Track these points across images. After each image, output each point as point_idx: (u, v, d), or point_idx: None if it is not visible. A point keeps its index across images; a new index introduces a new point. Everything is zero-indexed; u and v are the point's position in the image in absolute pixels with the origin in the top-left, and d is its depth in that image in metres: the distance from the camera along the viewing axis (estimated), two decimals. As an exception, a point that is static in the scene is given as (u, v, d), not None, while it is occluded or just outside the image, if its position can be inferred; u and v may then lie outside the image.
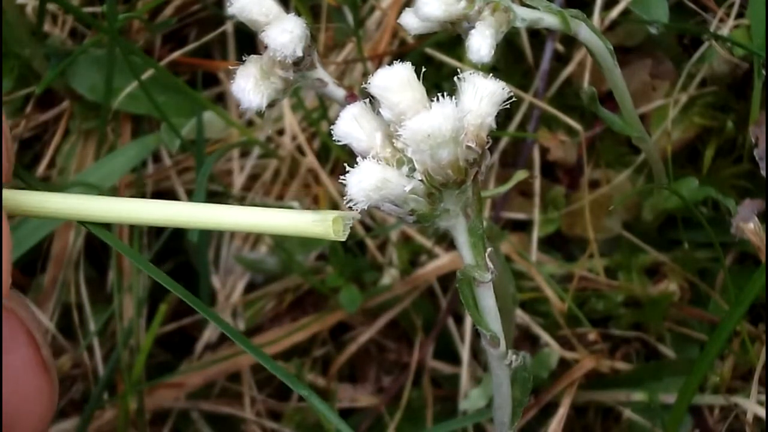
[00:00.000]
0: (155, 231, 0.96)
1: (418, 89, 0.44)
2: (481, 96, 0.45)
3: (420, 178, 0.44)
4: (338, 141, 0.46)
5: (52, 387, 0.45)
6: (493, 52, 0.54)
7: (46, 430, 0.45)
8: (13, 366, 0.43)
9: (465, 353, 0.91)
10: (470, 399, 0.89)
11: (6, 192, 0.45)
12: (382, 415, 0.93)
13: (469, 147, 0.45)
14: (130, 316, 0.91)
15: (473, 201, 0.47)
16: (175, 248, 0.96)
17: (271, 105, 0.54)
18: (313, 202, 0.95)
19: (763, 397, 0.82)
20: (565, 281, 0.91)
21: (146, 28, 0.94)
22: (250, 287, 0.96)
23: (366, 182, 0.42)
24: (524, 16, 0.57)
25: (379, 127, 0.45)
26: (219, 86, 0.98)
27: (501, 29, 0.56)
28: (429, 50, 0.92)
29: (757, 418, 0.81)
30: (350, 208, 0.43)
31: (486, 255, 0.48)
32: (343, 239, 0.45)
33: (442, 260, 0.92)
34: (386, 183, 0.43)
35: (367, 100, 0.46)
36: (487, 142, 0.46)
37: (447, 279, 0.93)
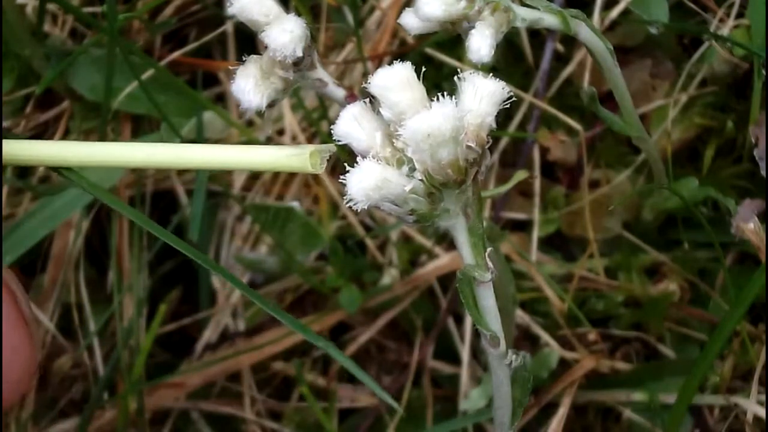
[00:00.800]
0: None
1: (418, 89, 0.45)
2: (481, 96, 0.45)
3: (420, 178, 0.44)
4: (338, 141, 0.46)
5: (32, 341, 0.45)
6: (493, 52, 0.54)
7: (28, 385, 0.45)
8: None
9: (465, 353, 0.91)
10: (470, 399, 0.89)
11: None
12: (382, 415, 0.93)
13: (469, 147, 0.45)
14: (130, 316, 0.91)
15: (473, 201, 0.47)
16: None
17: (271, 105, 0.54)
18: (314, 202, 0.95)
19: (763, 397, 0.82)
20: (565, 281, 0.91)
21: (146, 28, 0.94)
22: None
23: (366, 182, 0.42)
24: (524, 16, 0.57)
25: (379, 127, 0.45)
26: (219, 86, 0.98)
27: (501, 29, 0.56)
28: (429, 50, 0.92)
29: (757, 418, 0.81)
30: (350, 207, 0.43)
31: (486, 255, 0.49)
32: (320, 171, 0.45)
33: (442, 260, 0.92)
34: (386, 183, 0.43)
35: (367, 99, 0.46)
36: (487, 142, 0.46)
37: (447, 279, 0.93)
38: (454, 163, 0.44)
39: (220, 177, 0.96)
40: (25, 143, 0.47)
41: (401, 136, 0.43)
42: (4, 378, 0.43)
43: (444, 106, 0.42)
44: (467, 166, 0.45)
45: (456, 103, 0.43)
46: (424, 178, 0.44)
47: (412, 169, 0.44)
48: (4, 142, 0.46)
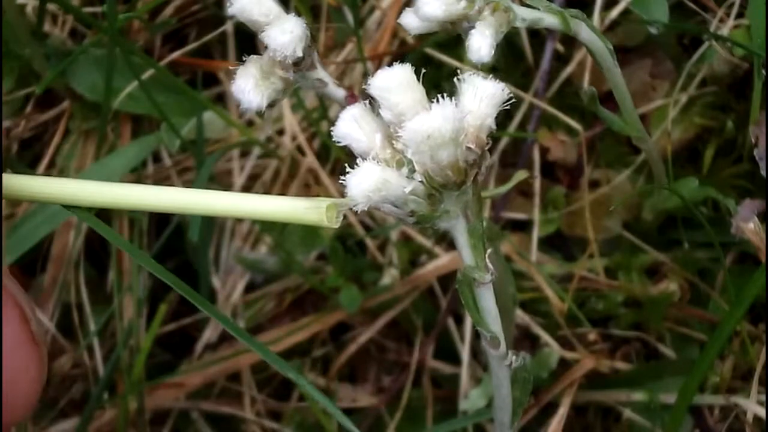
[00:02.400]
0: (156, 231, 0.96)
1: (417, 90, 0.45)
2: (480, 97, 0.45)
3: (420, 179, 0.44)
4: (338, 142, 0.46)
5: (41, 363, 0.44)
6: (493, 52, 0.54)
7: (34, 405, 0.44)
8: (4, 342, 0.42)
9: (465, 353, 0.91)
10: (470, 399, 0.89)
11: (4, 176, 0.45)
12: (382, 415, 0.93)
13: (468, 148, 0.45)
14: (130, 316, 0.91)
15: (473, 202, 0.47)
16: (175, 248, 0.96)
17: (271, 105, 0.54)
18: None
19: (763, 397, 0.82)
20: (565, 281, 0.91)
21: (146, 28, 0.94)
22: (250, 287, 0.96)
23: (366, 183, 0.42)
24: (524, 16, 0.57)
25: (379, 128, 0.45)
26: (219, 86, 0.98)
27: (501, 29, 0.56)
28: (429, 50, 0.92)
29: (757, 418, 0.81)
30: (350, 208, 0.43)
31: (486, 256, 0.49)
32: (336, 226, 0.45)
33: (442, 260, 0.92)
34: (386, 184, 0.43)
35: (367, 101, 0.46)
36: (487, 144, 0.46)
37: (447, 279, 0.93)
38: (454, 164, 0.44)
39: (220, 177, 0.96)
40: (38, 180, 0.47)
41: (401, 137, 0.43)
42: (10, 400, 0.42)
43: (444, 108, 0.42)
44: (467, 167, 0.45)
45: (456, 104, 0.43)
46: (424, 180, 0.44)
47: (412, 171, 0.44)
48: (12, 176, 0.45)
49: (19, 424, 0.89)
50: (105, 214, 0.95)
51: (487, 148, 0.46)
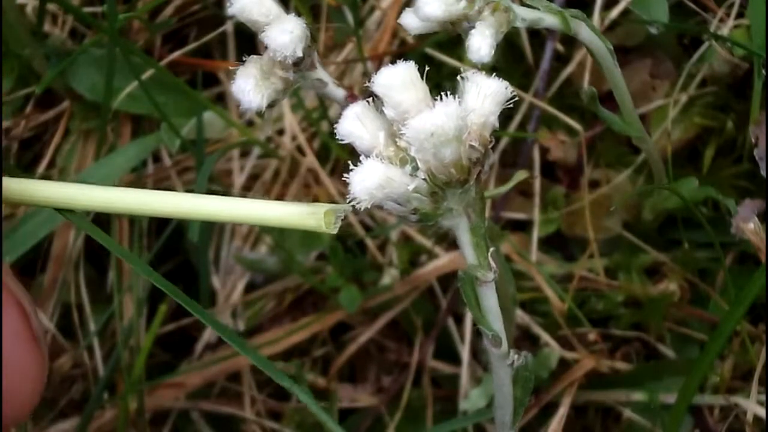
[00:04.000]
0: (155, 231, 0.96)
1: (421, 88, 0.45)
2: (484, 95, 0.45)
3: (423, 177, 0.45)
4: (341, 140, 0.46)
5: (42, 360, 0.43)
6: (493, 51, 0.54)
7: (35, 403, 0.44)
8: (4, 340, 0.42)
9: (465, 353, 0.91)
10: (470, 399, 0.89)
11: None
12: (382, 415, 0.93)
13: (472, 146, 0.45)
14: (130, 316, 0.91)
15: (476, 200, 0.47)
16: (175, 248, 0.96)
17: (271, 105, 0.54)
18: (314, 202, 0.95)
19: (763, 397, 0.82)
20: (565, 281, 0.91)
21: (146, 28, 0.94)
22: (250, 287, 0.96)
23: (369, 181, 0.42)
24: (524, 16, 0.57)
25: (382, 126, 0.45)
26: (219, 86, 0.98)
27: (501, 29, 0.56)
28: (429, 50, 0.92)
29: (757, 418, 0.81)
30: (353, 206, 0.43)
31: (489, 254, 0.49)
32: (335, 232, 0.45)
33: (442, 260, 0.92)
34: (389, 181, 0.43)
35: (370, 99, 0.46)
36: (490, 141, 0.46)
37: (447, 279, 0.93)
38: (457, 162, 0.44)
39: (220, 177, 0.96)
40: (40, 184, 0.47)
41: (404, 135, 0.43)
42: (11, 397, 0.42)
43: (447, 106, 0.42)
44: (470, 165, 0.45)
45: (459, 102, 0.43)
46: (427, 178, 0.45)
47: (415, 169, 0.44)
48: (12, 180, 0.45)
49: (20, 423, 0.89)
50: (104, 215, 0.95)
51: (490, 146, 0.46)
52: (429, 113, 0.42)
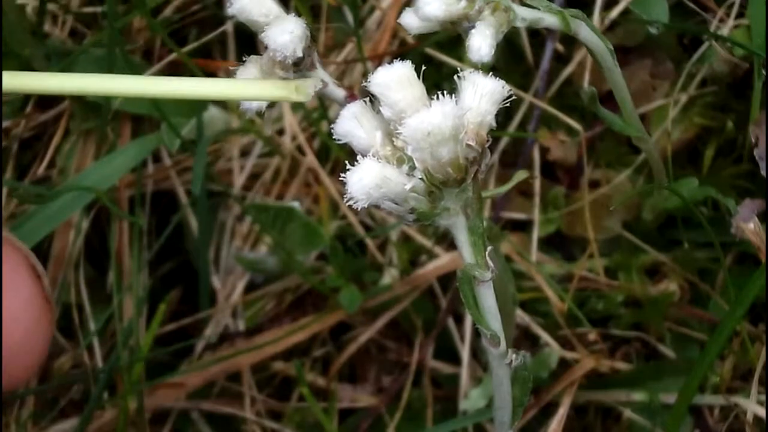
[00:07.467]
0: (156, 231, 0.96)
1: (418, 87, 0.45)
2: (481, 94, 0.45)
3: (420, 177, 0.45)
4: (338, 140, 0.46)
5: (52, 317, 0.47)
6: (493, 51, 0.54)
7: (44, 358, 0.47)
8: (19, 299, 0.45)
9: (465, 353, 0.91)
10: (470, 399, 0.89)
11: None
12: (382, 415, 0.93)
13: (469, 145, 0.45)
14: (130, 316, 0.91)
15: (473, 199, 0.47)
16: (175, 248, 0.96)
17: (271, 105, 0.54)
18: (313, 201, 0.95)
19: (763, 397, 0.82)
20: (565, 281, 0.91)
21: (150, 26, 0.94)
22: (250, 287, 0.96)
23: (366, 180, 0.42)
24: (524, 16, 0.57)
25: (379, 126, 0.45)
26: (219, 86, 0.98)
27: (501, 29, 0.55)
28: (429, 50, 0.92)
29: (757, 418, 0.81)
30: (350, 206, 0.43)
31: (486, 254, 0.49)
32: (306, 100, 0.47)
33: (442, 260, 0.92)
34: (386, 181, 0.43)
35: (367, 98, 0.46)
36: (488, 141, 0.46)
37: (447, 279, 0.93)
38: (455, 161, 0.44)
39: (220, 177, 0.96)
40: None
41: (401, 134, 0.43)
42: (23, 348, 0.45)
43: (444, 105, 0.42)
44: (467, 164, 0.45)
45: (456, 101, 0.43)
46: (424, 177, 0.45)
47: (413, 168, 0.44)
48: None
49: (20, 422, 0.89)
50: (104, 215, 0.95)
51: (487, 145, 0.46)
52: (426, 112, 0.42)
